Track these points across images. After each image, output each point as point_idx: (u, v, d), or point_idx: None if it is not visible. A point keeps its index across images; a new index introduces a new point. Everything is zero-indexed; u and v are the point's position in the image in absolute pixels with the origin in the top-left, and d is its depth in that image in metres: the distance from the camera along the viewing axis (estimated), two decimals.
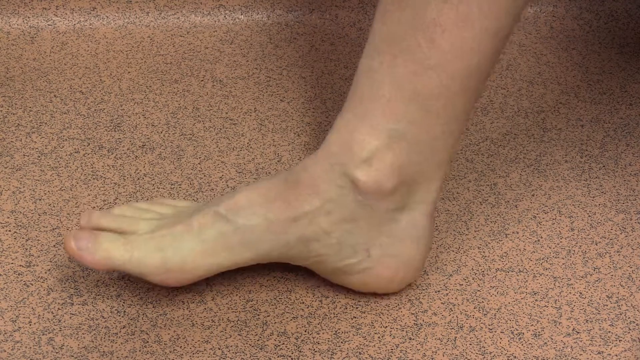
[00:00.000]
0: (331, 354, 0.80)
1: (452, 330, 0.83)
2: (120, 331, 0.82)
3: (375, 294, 0.85)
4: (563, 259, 0.90)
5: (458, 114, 0.77)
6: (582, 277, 0.88)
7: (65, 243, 0.80)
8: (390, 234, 0.81)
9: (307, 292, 0.86)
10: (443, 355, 0.81)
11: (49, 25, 1.15)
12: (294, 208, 0.79)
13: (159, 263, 0.80)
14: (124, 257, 0.80)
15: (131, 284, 0.86)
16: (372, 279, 0.82)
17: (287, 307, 0.84)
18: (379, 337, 0.82)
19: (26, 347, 0.80)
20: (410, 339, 0.82)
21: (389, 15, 0.75)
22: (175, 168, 0.98)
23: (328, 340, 0.82)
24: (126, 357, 0.80)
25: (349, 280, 0.83)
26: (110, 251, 0.80)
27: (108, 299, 0.84)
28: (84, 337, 0.81)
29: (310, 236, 0.80)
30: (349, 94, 0.79)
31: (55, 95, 1.06)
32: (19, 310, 0.83)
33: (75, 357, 0.79)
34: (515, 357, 0.81)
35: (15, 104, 1.04)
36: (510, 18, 0.74)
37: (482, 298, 0.86)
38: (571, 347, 0.82)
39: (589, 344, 0.82)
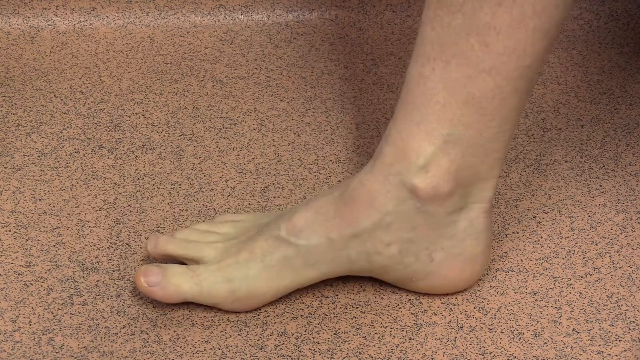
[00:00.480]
0: (331, 354, 0.80)
1: (452, 330, 0.83)
2: (120, 331, 0.82)
3: (375, 294, 0.85)
4: (563, 259, 0.90)
5: (511, 114, 0.77)
6: (582, 277, 0.88)
7: (135, 279, 0.82)
8: (451, 236, 0.81)
9: (307, 292, 0.86)
10: (443, 355, 0.81)
11: (49, 25, 1.15)
12: (353, 225, 0.80)
13: (228, 293, 0.82)
14: (194, 290, 0.82)
15: (131, 284, 0.86)
16: (438, 282, 0.83)
17: (287, 307, 0.84)
18: (379, 337, 0.82)
19: (26, 347, 0.80)
20: (410, 339, 0.82)
21: (438, 20, 0.75)
22: (175, 168, 0.98)
23: (328, 340, 0.82)
24: (126, 357, 0.80)
25: (416, 285, 0.84)
26: (180, 285, 0.81)
27: (108, 299, 0.84)
28: (84, 337, 0.81)
29: (371, 250, 0.81)
30: (398, 103, 0.80)
31: (55, 95, 1.06)
32: (19, 310, 0.83)
33: (75, 357, 0.79)
34: (515, 357, 0.81)
35: (15, 104, 1.04)
36: (561, 15, 0.74)
37: (482, 298, 0.86)
38: (571, 347, 0.82)
39: (589, 344, 0.82)
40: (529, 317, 0.84)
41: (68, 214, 0.92)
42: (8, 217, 0.91)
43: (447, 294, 0.85)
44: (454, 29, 0.75)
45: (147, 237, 0.87)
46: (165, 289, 0.81)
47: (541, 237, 0.92)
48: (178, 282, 0.81)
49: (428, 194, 0.79)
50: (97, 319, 0.83)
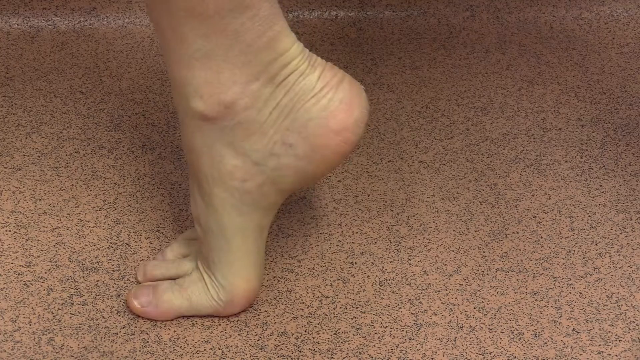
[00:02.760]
0: (331, 354, 0.80)
1: (452, 330, 0.83)
2: (120, 331, 0.82)
3: (375, 294, 0.85)
4: (563, 259, 0.90)
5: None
6: (582, 277, 0.88)
7: (127, 302, 0.83)
8: (283, 116, 0.78)
9: (307, 292, 0.86)
10: (443, 355, 0.81)
11: (49, 25, 1.15)
12: (198, 176, 0.79)
13: (215, 303, 0.82)
14: (184, 304, 0.82)
15: (131, 284, 0.86)
16: (326, 143, 0.78)
17: (287, 307, 0.84)
18: (379, 337, 0.82)
19: (26, 347, 0.80)
20: (410, 339, 0.82)
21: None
22: (175, 168, 0.98)
23: (328, 340, 0.82)
24: (126, 357, 0.80)
25: (324, 161, 0.79)
26: (172, 301, 0.82)
27: (108, 299, 0.84)
28: (84, 337, 0.81)
29: (235, 183, 0.78)
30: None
31: (55, 95, 1.06)
32: (19, 310, 0.83)
33: (75, 357, 0.79)
34: (515, 357, 0.81)
35: (15, 104, 1.04)
36: None
37: (482, 298, 0.86)
38: (571, 347, 0.82)
39: (589, 344, 0.82)
40: (529, 317, 0.84)
41: (68, 214, 0.92)
42: (8, 217, 0.91)
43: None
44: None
45: (137, 266, 0.87)
46: (158, 307, 0.82)
47: (541, 237, 0.92)
48: (169, 299, 0.82)
49: (215, 111, 0.76)
50: (97, 319, 0.83)
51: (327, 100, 0.77)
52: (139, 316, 0.83)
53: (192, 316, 0.83)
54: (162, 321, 0.83)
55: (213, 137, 0.77)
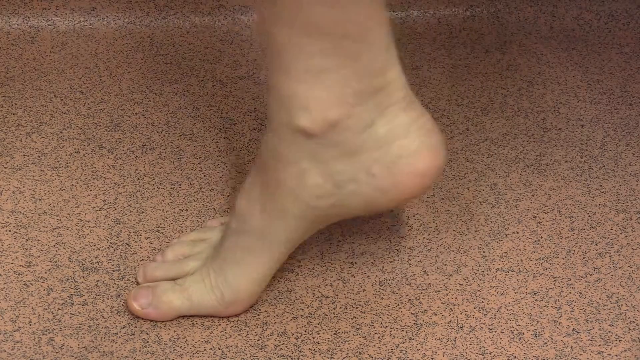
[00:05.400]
0: (331, 354, 0.80)
1: (452, 330, 0.83)
2: (120, 331, 0.82)
3: (375, 294, 0.85)
4: (563, 259, 0.90)
5: (362, 10, 0.74)
6: (582, 277, 0.88)
7: (128, 304, 0.83)
8: (376, 147, 0.78)
9: (307, 292, 0.86)
10: (443, 355, 0.81)
11: (49, 25, 1.15)
12: (281, 187, 0.79)
13: (217, 302, 0.82)
14: (185, 304, 0.82)
15: (131, 284, 0.86)
16: (398, 183, 0.80)
17: (287, 307, 0.84)
18: (379, 337, 0.82)
19: (26, 347, 0.80)
20: (410, 339, 0.82)
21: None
22: (175, 168, 0.98)
23: (328, 340, 0.82)
24: (126, 357, 0.80)
25: (387, 197, 0.80)
26: (172, 302, 0.82)
27: (108, 299, 0.84)
28: (84, 337, 0.81)
29: (307, 199, 0.79)
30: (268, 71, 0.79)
31: (55, 95, 1.06)
32: (19, 310, 0.83)
33: (75, 357, 0.79)
34: (515, 357, 0.81)
35: (15, 104, 1.04)
36: None
37: (482, 298, 0.86)
38: (571, 347, 0.82)
39: (589, 344, 0.82)
40: (529, 317, 0.84)
41: (68, 214, 0.92)
42: (8, 217, 0.91)
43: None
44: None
45: (138, 266, 0.87)
46: (158, 308, 0.82)
47: (541, 237, 0.92)
48: (169, 299, 0.82)
49: (319, 128, 0.77)
50: (97, 319, 0.83)
51: (420, 143, 0.79)
52: (138, 317, 0.83)
53: (192, 316, 0.83)
54: (162, 322, 0.83)
55: (305, 152, 0.78)
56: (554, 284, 0.87)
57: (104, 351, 0.80)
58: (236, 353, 0.80)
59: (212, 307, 0.82)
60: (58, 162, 0.97)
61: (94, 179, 0.96)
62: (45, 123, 1.02)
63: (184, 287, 0.82)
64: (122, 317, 0.83)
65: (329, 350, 0.81)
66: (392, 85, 0.78)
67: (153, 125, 1.03)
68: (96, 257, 0.88)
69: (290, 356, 0.80)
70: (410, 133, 0.79)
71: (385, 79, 0.77)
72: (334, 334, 0.82)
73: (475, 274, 0.88)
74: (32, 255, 0.88)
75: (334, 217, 0.81)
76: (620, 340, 0.82)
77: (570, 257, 0.90)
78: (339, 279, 0.87)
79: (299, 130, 0.77)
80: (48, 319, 0.82)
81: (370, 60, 0.75)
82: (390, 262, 0.89)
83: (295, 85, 0.75)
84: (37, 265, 0.87)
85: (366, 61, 0.75)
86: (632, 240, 0.92)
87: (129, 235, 0.90)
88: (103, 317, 0.83)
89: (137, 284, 0.85)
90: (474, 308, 0.85)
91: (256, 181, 0.81)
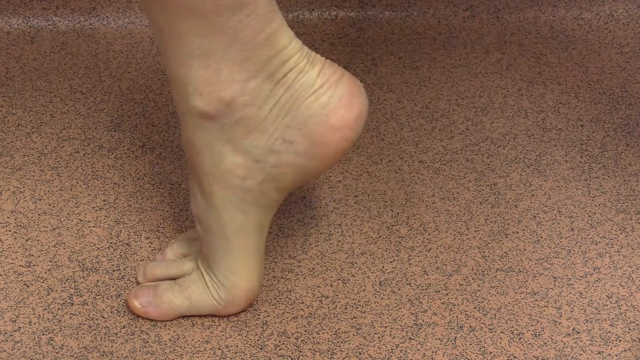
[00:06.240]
0: (331, 354, 0.80)
1: (452, 330, 0.83)
2: (120, 331, 0.82)
3: (375, 294, 0.85)
4: (563, 259, 0.90)
5: None
6: (582, 277, 0.88)
7: (128, 303, 0.83)
8: (283, 114, 0.77)
9: (307, 292, 0.86)
10: (443, 355, 0.81)
11: (49, 25, 1.15)
12: (198, 173, 0.79)
13: (215, 302, 0.82)
14: (185, 304, 0.82)
15: (131, 284, 0.86)
16: (324, 141, 0.78)
17: (287, 307, 0.84)
18: (379, 337, 0.82)
19: (26, 347, 0.80)
20: (410, 339, 0.82)
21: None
22: (175, 168, 0.98)
23: (328, 340, 0.82)
24: (126, 357, 0.80)
25: (322, 158, 0.79)
26: (172, 301, 0.82)
27: (108, 299, 0.84)
28: (84, 337, 0.81)
29: (234, 180, 0.78)
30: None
31: (55, 95, 1.06)
32: (19, 310, 0.83)
33: (75, 357, 0.79)
34: (515, 357, 0.81)
35: (15, 104, 1.04)
36: None
37: (482, 298, 0.86)
38: (571, 347, 0.82)
39: (589, 344, 0.82)
40: (529, 317, 0.84)
41: (68, 214, 0.92)
42: (8, 217, 0.91)
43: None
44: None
45: (137, 266, 0.87)
46: (159, 307, 0.82)
47: (541, 237, 0.92)
48: (170, 298, 0.82)
49: (215, 110, 0.76)
50: (97, 319, 0.83)
51: (327, 97, 0.77)
52: (139, 316, 0.83)
53: (192, 316, 0.83)
54: (162, 321, 0.83)
55: (213, 135, 0.77)
56: (554, 284, 0.87)
57: (104, 351, 0.80)
58: (236, 353, 0.80)
59: (212, 307, 0.82)
60: (58, 162, 0.97)
61: (94, 179, 0.96)
62: (45, 123, 1.02)
63: (184, 287, 0.82)
64: (122, 317, 0.83)
65: (329, 350, 0.81)
66: (283, 52, 0.76)
67: (153, 125, 1.03)
68: (96, 257, 0.88)
69: (290, 356, 0.80)
70: (314, 91, 0.77)
71: (273, 48, 0.75)
72: (334, 334, 0.82)
73: (475, 274, 0.88)
74: (32, 255, 0.88)
75: (274, 193, 0.79)
76: (620, 340, 0.82)
77: (570, 257, 0.90)
78: (339, 279, 0.87)
79: (199, 115, 0.76)
80: (48, 319, 0.82)
81: (252, 33, 0.74)
82: (390, 262, 0.89)
83: (184, 71, 0.75)
84: (37, 265, 0.87)
85: (248, 35, 0.74)
86: (632, 240, 0.92)
87: (129, 235, 0.90)
88: (103, 317, 0.83)
89: (137, 283, 0.85)
90: (474, 308, 0.85)
91: (192, 180, 0.81)
